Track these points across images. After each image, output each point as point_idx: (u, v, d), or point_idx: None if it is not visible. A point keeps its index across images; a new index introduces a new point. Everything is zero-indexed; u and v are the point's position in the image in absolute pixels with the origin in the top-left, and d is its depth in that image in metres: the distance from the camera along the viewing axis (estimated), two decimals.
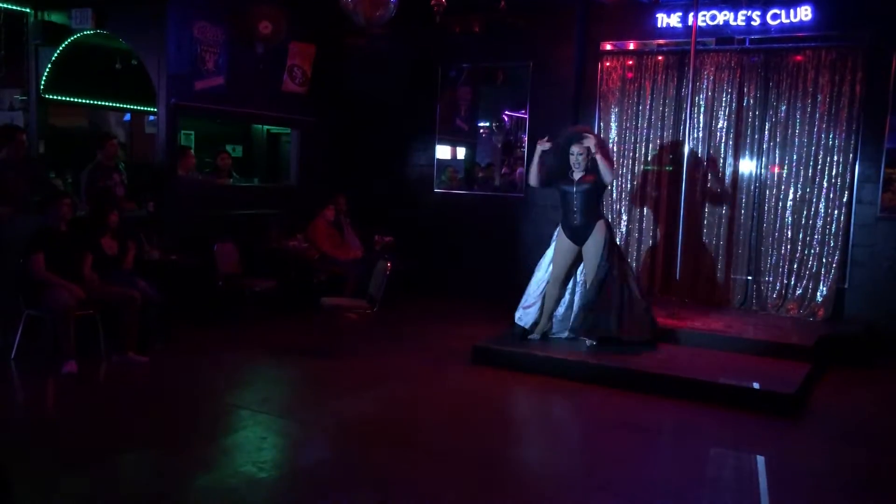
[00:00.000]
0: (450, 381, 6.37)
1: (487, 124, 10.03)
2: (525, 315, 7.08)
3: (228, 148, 10.11)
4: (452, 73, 10.04)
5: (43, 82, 8.67)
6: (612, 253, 6.82)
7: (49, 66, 8.67)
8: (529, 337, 7.02)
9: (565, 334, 7.09)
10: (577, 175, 6.77)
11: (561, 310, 7.10)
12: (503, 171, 9.87)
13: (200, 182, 8.78)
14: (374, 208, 9.92)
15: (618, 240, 8.82)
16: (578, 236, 6.80)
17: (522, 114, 9.63)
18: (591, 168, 6.77)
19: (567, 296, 7.07)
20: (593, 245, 6.76)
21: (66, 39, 8.62)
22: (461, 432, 5.15)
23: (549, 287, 6.98)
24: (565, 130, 7.10)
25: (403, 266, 8.51)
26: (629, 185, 8.99)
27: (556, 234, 6.98)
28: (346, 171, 10.06)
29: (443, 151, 10.25)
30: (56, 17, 8.58)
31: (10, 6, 8.39)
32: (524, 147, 9.59)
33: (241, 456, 4.55)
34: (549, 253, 7.05)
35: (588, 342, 6.84)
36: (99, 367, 6.22)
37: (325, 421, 5.25)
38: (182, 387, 5.91)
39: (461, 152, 10.31)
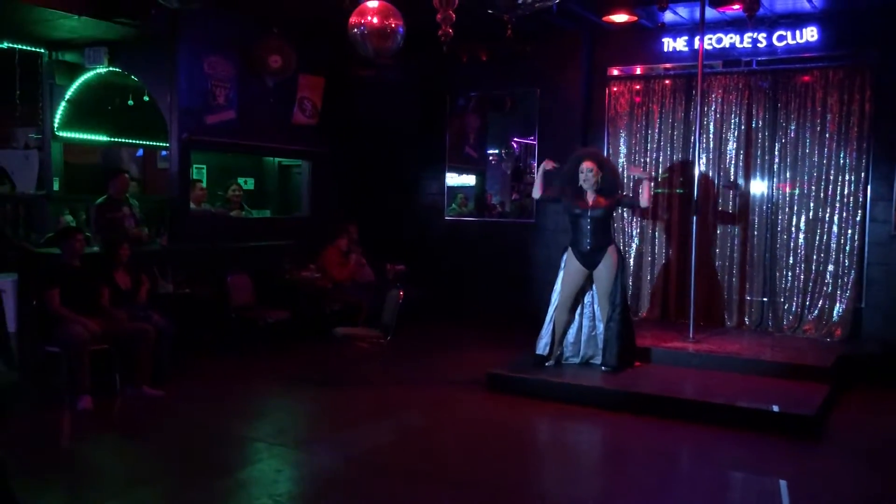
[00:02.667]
0: (465, 409, 6.33)
1: (497, 151, 10.07)
2: (540, 343, 7.05)
3: (240, 180, 10.18)
4: (461, 101, 10.11)
5: (57, 120, 8.79)
6: (625, 279, 6.82)
7: (63, 104, 8.79)
8: (546, 364, 6.97)
9: (578, 359, 7.05)
10: (590, 197, 6.76)
11: (571, 334, 7.05)
12: (513, 197, 9.89)
13: (213, 215, 8.83)
14: (386, 237, 9.94)
15: (630, 262, 8.84)
16: (589, 261, 6.78)
17: (531, 140, 9.67)
18: (605, 190, 6.76)
19: (577, 319, 7.03)
20: (606, 270, 6.74)
21: (80, 78, 8.75)
22: (477, 461, 5.10)
23: (558, 312, 6.92)
24: (573, 154, 7.11)
25: (416, 294, 8.48)
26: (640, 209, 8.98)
27: (564, 258, 6.94)
28: (357, 201, 10.11)
29: (453, 179, 10.29)
30: (69, 57, 8.72)
31: (25, 47, 8.54)
32: (534, 173, 9.61)
33: (257, 489, 4.52)
34: (559, 280, 7.02)
35: (604, 368, 6.80)
36: (114, 402, 6.22)
37: (340, 452, 5.22)
38: (197, 420, 5.90)
39: (471, 180, 10.35)
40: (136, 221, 7.68)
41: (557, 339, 6.99)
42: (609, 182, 6.81)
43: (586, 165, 6.74)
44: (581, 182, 6.77)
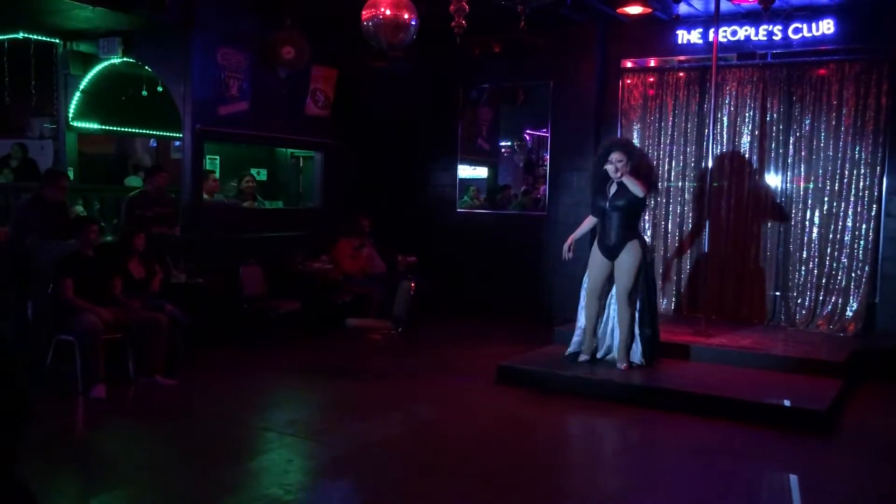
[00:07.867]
0: (475, 402, 6.34)
1: (509, 144, 10.06)
2: (574, 340, 6.90)
3: (253, 171, 10.23)
4: (473, 93, 10.09)
5: (71, 110, 8.84)
6: (648, 276, 6.64)
7: (77, 94, 8.84)
8: (579, 359, 6.78)
9: (602, 352, 6.87)
10: (612, 188, 6.59)
11: (602, 327, 6.87)
12: (523, 188, 9.88)
13: (226, 205, 8.87)
14: (398, 229, 9.95)
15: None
16: (611, 253, 6.59)
17: (544, 132, 9.64)
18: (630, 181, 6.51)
19: (605, 310, 6.85)
20: (625, 264, 6.52)
21: (94, 68, 8.79)
22: (488, 453, 5.12)
23: (588, 302, 6.76)
24: (602, 143, 6.92)
25: (427, 286, 8.50)
26: (653, 202, 8.94)
27: (593, 247, 6.84)
28: (369, 193, 10.12)
29: (465, 171, 10.28)
30: (84, 47, 8.76)
31: (40, 37, 8.58)
32: (546, 166, 9.59)
33: (267, 478, 4.55)
34: (586, 274, 6.85)
35: (621, 365, 6.64)
36: (127, 391, 6.26)
37: (350, 443, 5.24)
38: (208, 409, 5.94)
39: (483, 172, 10.34)
40: (168, 224, 7.61)
41: (590, 331, 6.79)
42: (635, 169, 6.50)
43: (615, 157, 6.49)
44: (612, 174, 6.52)
